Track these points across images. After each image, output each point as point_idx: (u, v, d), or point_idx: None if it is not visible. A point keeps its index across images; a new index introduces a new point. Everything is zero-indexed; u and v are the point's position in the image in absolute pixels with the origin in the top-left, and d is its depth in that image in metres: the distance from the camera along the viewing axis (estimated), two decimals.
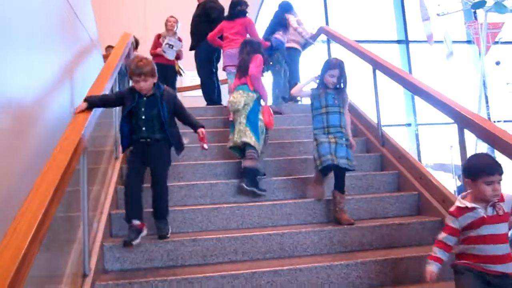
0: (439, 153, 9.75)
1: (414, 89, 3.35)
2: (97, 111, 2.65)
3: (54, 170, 1.89)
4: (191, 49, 5.47)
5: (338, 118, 3.01)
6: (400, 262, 2.56)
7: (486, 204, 1.97)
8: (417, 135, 9.32)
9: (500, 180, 1.94)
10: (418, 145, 9.34)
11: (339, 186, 2.97)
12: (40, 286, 1.93)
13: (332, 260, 2.52)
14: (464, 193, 2.06)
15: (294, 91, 3.24)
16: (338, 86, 3.06)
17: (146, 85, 2.60)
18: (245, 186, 3.16)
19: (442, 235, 2.05)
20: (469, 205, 1.98)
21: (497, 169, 1.94)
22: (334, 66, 3.03)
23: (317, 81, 3.12)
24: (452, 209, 2.06)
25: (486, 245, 1.95)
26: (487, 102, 10.13)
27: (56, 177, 1.85)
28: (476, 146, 8.06)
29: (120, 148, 3.52)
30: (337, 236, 2.76)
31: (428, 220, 2.95)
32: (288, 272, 2.42)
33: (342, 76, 3.05)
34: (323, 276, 2.44)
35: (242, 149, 3.34)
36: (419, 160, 8.16)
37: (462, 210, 2.00)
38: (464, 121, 2.71)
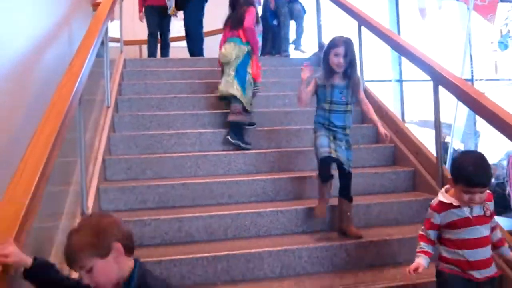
0: (423, 111, 10.00)
1: (394, 45, 3.50)
2: (90, 61, 2.74)
3: (54, 116, 2.02)
4: None
5: (342, 119, 2.60)
6: (373, 206, 2.81)
7: None
8: (401, 92, 9.50)
9: (482, 192, 1.75)
10: (402, 101, 9.54)
11: (345, 191, 2.60)
12: (45, 222, 2.13)
13: (311, 203, 2.75)
14: (447, 186, 1.91)
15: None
16: (346, 69, 2.57)
17: (94, 278, 1.35)
18: (229, 139, 3.34)
19: (423, 230, 1.92)
20: (455, 202, 1.81)
21: (478, 183, 1.73)
22: (338, 43, 2.55)
23: (313, 72, 2.62)
24: (434, 203, 1.90)
25: (473, 249, 1.81)
26: (471, 60, 10.30)
27: (57, 122, 1.98)
28: (457, 104, 8.29)
29: (112, 97, 3.66)
30: (317, 183, 2.98)
31: (402, 170, 3.19)
32: (270, 213, 2.65)
33: (348, 56, 2.55)
34: (302, 217, 2.68)
35: (229, 99, 3.50)
36: (402, 116, 8.43)
37: (446, 206, 1.84)
38: (438, 78, 2.88)
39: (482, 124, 11.11)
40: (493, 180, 6.69)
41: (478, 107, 2.54)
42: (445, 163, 5.11)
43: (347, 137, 2.63)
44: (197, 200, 2.85)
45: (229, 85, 3.42)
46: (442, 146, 4.08)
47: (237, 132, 3.37)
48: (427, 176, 3.04)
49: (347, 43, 2.57)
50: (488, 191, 1.82)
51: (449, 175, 2.92)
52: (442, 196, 1.86)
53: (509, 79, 10.37)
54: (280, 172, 3.16)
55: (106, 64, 3.62)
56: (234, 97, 3.41)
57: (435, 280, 2.01)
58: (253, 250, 2.36)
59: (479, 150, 11.22)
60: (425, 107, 9.75)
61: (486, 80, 9.42)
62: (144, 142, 3.31)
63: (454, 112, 8.46)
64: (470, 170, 1.73)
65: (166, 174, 3.06)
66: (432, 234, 1.89)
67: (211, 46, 5.65)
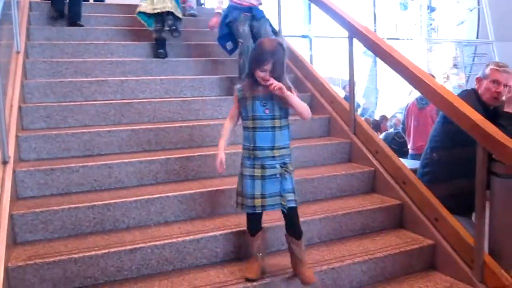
0: (329, 68, 10.54)
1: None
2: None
3: None
4: None
5: (269, 138, 2.06)
6: (293, 150, 2.96)
7: None
8: (310, 48, 9.87)
9: None
10: (311, 57, 9.93)
11: (291, 227, 2.11)
12: None
13: (238, 148, 2.88)
14: None
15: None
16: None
17: None
18: (164, 54, 3.73)
19: None
20: None
21: None
22: (264, 58, 2.02)
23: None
24: None
25: None
26: (375, 18, 10.94)
27: None
28: (361, 58, 8.85)
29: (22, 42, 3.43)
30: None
31: (318, 117, 3.43)
32: (199, 158, 2.74)
33: (277, 69, 2.03)
34: (229, 162, 2.80)
35: (152, 17, 3.77)
36: None
37: None
38: (353, 31, 3.10)
39: (380, 82, 12.00)
40: (392, 129, 7.37)
41: (389, 58, 2.79)
42: None
43: (282, 160, 2.08)
44: (124, 147, 2.84)
45: (173, 7, 3.74)
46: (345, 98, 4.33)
47: (165, 47, 3.76)
48: (341, 123, 3.31)
49: (275, 54, 2.02)
50: None
51: (360, 121, 3.24)
52: None
53: (407, 38, 11.23)
54: (205, 119, 3.23)
55: (14, 5, 3.35)
56: (176, 16, 3.76)
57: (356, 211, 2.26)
58: (185, 192, 2.45)
59: (378, 104, 12.13)
60: (330, 65, 10.31)
61: (388, 38, 10.11)
62: (61, 89, 3.18)
63: (359, 67, 9.05)
64: None
65: (89, 122, 3.00)
66: None
67: None
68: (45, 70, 3.35)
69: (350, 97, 3.26)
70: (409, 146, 5.15)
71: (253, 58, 2.09)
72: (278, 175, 2.06)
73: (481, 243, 2.24)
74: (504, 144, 2.09)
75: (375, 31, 10.31)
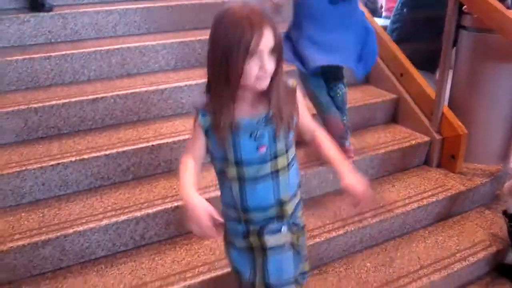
0: None
1: None
2: None
3: None
4: None
5: (270, 191, 1.14)
6: None
7: None
8: None
9: None
10: None
11: None
12: None
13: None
14: None
15: None
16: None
17: None
18: None
19: None
20: None
21: None
22: (256, 25, 0.95)
23: None
24: None
25: None
26: None
27: None
28: None
29: None
30: None
31: None
32: (160, 9, 2.59)
33: (277, 50, 1.00)
34: (192, 14, 2.66)
35: None
36: None
37: None
38: None
39: None
40: None
41: None
42: None
43: (291, 221, 1.20)
44: None
45: None
46: None
47: None
48: None
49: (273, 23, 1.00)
50: None
51: None
52: None
53: None
54: None
55: None
56: None
57: None
58: (147, 43, 2.34)
59: None
60: None
61: None
62: None
63: None
64: None
65: None
66: None
67: None
68: None
69: None
70: (383, 7, 5.00)
71: (224, 37, 0.99)
72: (287, 246, 1.20)
73: (441, 96, 2.29)
74: None
75: None
